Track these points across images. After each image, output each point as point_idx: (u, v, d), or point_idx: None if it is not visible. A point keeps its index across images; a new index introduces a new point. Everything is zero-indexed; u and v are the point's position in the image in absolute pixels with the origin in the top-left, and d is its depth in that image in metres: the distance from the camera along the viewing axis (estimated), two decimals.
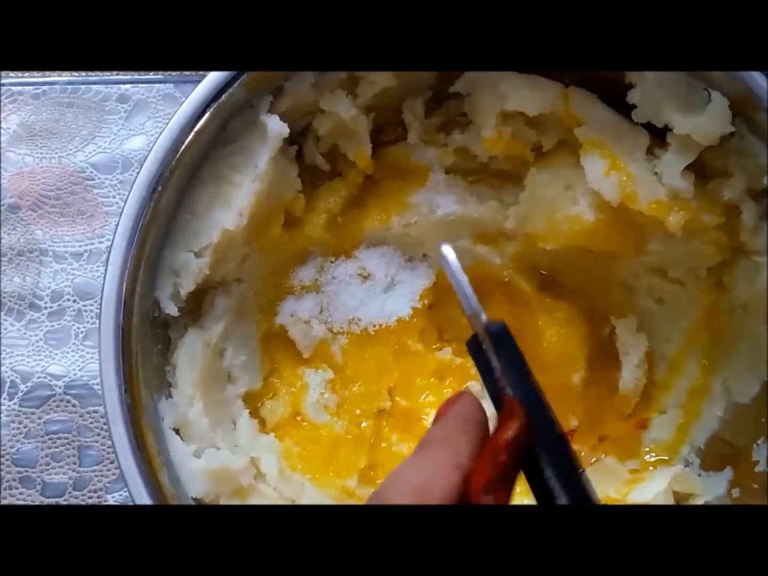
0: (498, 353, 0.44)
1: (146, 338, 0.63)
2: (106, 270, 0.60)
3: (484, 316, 0.44)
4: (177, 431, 0.64)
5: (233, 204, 0.64)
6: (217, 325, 0.68)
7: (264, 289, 0.73)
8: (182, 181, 0.64)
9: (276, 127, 0.64)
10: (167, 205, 0.63)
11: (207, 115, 0.62)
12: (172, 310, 0.64)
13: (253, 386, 0.72)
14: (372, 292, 0.76)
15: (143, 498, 0.57)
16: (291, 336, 0.74)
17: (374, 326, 0.76)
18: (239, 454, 0.65)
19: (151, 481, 0.58)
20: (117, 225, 0.61)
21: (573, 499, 0.42)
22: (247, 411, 0.70)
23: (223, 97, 0.62)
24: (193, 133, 0.62)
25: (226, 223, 0.64)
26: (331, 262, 0.76)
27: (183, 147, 0.62)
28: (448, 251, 0.46)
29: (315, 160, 0.73)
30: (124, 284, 0.60)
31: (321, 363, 0.75)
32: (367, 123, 0.71)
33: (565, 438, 0.44)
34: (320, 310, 0.75)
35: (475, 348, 0.46)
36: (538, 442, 0.42)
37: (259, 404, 0.73)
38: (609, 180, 0.65)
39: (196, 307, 0.68)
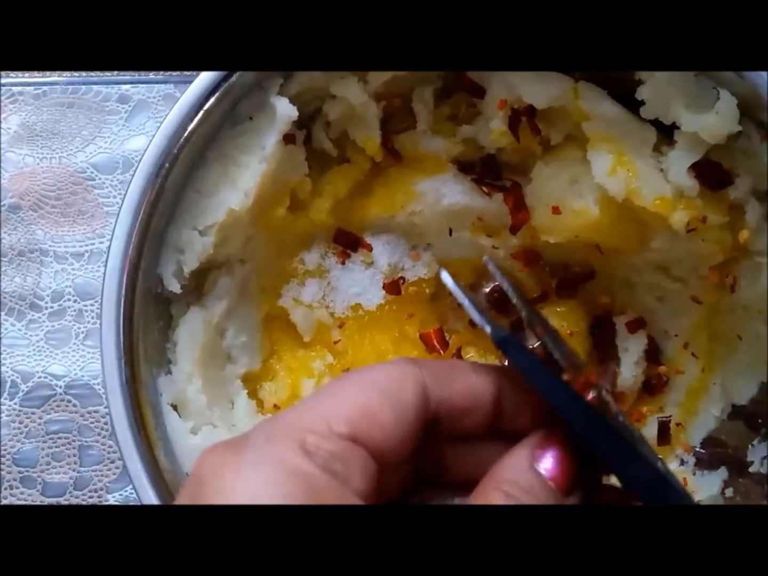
0: (510, 361, 0.45)
1: (148, 314, 0.64)
2: (110, 245, 0.61)
3: (488, 329, 0.45)
4: (175, 408, 0.64)
5: (239, 184, 0.65)
6: (219, 305, 0.68)
7: (267, 271, 0.73)
8: (190, 159, 0.64)
9: (285, 109, 0.64)
10: (174, 182, 0.63)
11: (217, 94, 0.62)
12: (174, 287, 0.65)
13: (252, 367, 0.72)
14: (375, 279, 0.76)
15: (139, 471, 0.58)
16: (292, 319, 0.74)
17: (375, 313, 0.76)
18: (236, 434, 0.66)
19: (147, 455, 0.59)
20: (123, 199, 0.61)
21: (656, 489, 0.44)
22: (246, 391, 0.70)
23: (233, 77, 0.62)
24: (202, 112, 0.62)
25: (232, 202, 0.64)
26: (336, 247, 0.76)
27: (192, 125, 0.62)
28: (446, 278, 0.48)
29: (323, 145, 0.72)
30: (128, 259, 0.61)
31: (321, 347, 0.75)
32: (378, 110, 0.71)
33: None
34: (323, 294, 0.76)
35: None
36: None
37: (257, 386, 0.73)
38: (615, 175, 0.65)
39: (198, 286, 0.69)
